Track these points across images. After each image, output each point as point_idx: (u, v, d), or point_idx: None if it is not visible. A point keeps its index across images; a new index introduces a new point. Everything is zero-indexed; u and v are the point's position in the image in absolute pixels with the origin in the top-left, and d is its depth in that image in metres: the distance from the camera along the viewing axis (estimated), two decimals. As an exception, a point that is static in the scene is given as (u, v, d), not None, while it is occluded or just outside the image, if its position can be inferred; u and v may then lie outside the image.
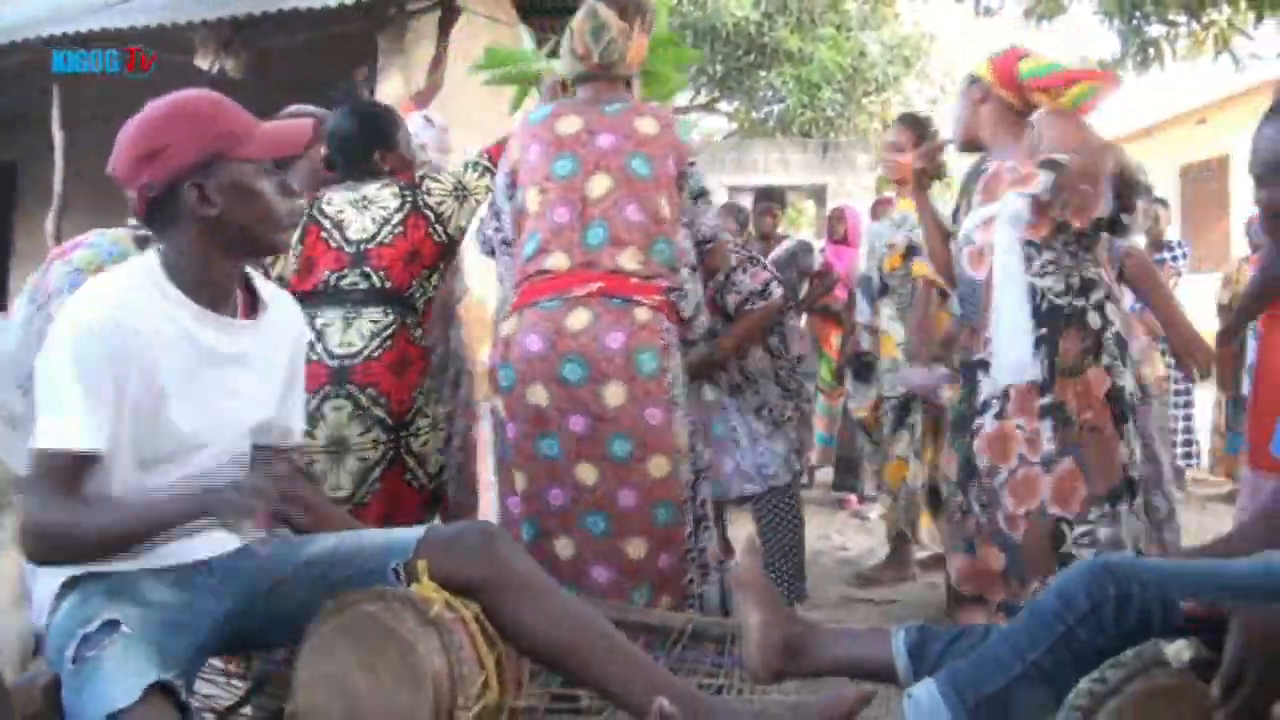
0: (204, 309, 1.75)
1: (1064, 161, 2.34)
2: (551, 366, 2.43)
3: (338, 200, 2.76)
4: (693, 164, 2.64)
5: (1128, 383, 2.54)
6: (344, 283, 2.68)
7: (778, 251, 5.77)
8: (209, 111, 1.74)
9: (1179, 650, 1.42)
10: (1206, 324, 7.92)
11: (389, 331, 2.66)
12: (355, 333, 2.62)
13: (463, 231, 2.80)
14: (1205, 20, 7.72)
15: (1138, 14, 7.92)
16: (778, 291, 3.52)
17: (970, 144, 2.81)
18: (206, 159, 1.70)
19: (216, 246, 1.74)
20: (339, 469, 2.59)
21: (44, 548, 1.61)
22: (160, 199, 1.72)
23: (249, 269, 1.88)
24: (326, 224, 2.73)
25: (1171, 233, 7.03)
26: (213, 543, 1.79)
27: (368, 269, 2.68)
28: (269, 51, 6.49)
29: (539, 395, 2.46)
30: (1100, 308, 2.55)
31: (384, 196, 2.74)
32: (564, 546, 2.51)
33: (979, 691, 1.52)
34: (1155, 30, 8.07)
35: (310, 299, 2.64)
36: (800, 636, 1.89)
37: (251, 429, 1.85)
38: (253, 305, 1.87)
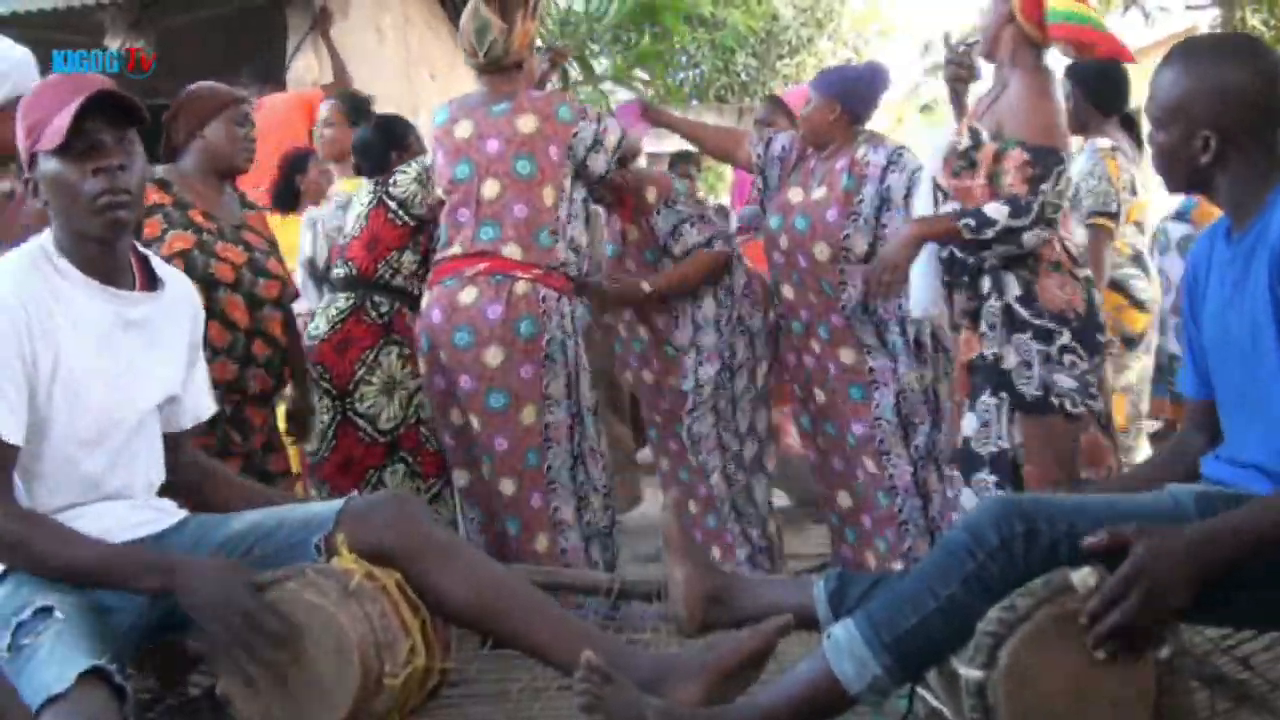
0: (100, 283, 1.77)
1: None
2: (448, 334, 2.81)
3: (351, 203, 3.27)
4: (576, 134, 2.89)
5: (1006, 356, 2.52)
6: (335, 273, 3.20)
7: None
8: (25, 107, 1.76)
9: (1085, 576, 1.46)
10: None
11: (341, 316, 3.10)
12: (323, 318, 3.10)
13: (432, 209, 3.07)
14: (1114, -26, 7.76)
15: (1046, -32, 7.97)
16: (720, 246, 3.53)
17: (991, 57, 2.72)
18: (29, 156, 1.75)
19: (68, 234, 1.76)
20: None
21: None
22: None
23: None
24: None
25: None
26: (140, 524, 1.80)
27: (345, 259, 3.16)
28: (177, 29, 6.34)
29: (443, 357, 2.85)
30: (995, 272, 2.55)
31: (364, 193, 3.19)
32: (459, 476, 3.02)
33: (895, 627, 1.55)
34: (1064, -16, 8.12)
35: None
36: (724, 588, 1.93)
37: (158, 405, 1.87)
38: (150, 282, 1.89)
